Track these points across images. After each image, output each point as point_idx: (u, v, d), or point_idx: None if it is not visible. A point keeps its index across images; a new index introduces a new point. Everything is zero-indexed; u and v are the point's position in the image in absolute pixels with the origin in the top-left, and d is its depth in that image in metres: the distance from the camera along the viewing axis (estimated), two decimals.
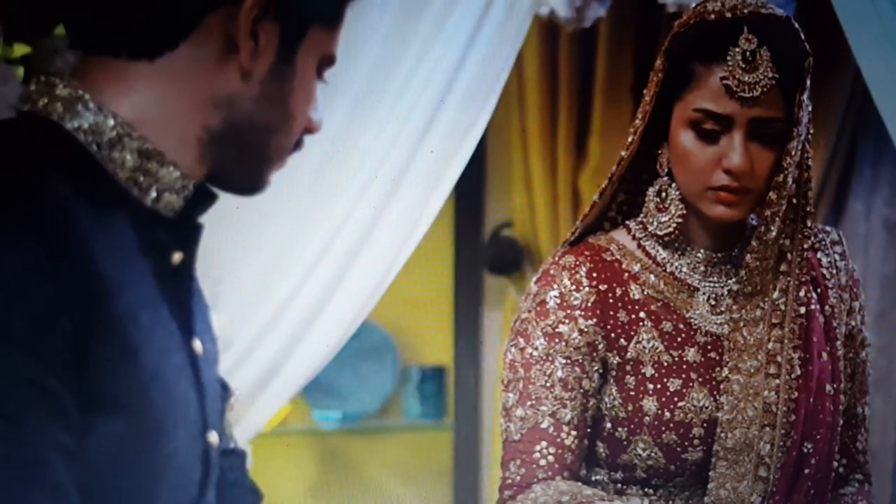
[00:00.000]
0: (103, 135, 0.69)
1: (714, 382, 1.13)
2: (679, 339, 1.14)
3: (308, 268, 1.51)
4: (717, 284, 1.17)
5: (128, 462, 0.67)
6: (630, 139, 1.16)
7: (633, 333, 1.13)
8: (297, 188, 1.46)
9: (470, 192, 2.20)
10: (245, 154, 0.73)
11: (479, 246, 2.28)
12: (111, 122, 0.70)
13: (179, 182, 0.71)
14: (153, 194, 0.70)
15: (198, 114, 0.71)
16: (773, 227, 1.13)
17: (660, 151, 1.15)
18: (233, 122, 0.71)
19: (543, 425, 1.11)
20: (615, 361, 1.13)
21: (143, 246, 0.70)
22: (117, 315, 0.66)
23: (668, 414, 1.11)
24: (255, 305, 1.49)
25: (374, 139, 1.50)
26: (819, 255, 1.21)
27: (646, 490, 1.13)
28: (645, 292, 1.15)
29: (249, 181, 0.75)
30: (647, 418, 1.11)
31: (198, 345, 0.73)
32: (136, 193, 0.70)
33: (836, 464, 1.16)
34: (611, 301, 1.14)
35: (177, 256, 0.72)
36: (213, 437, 0.74)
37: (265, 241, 1.48)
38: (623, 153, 1.17)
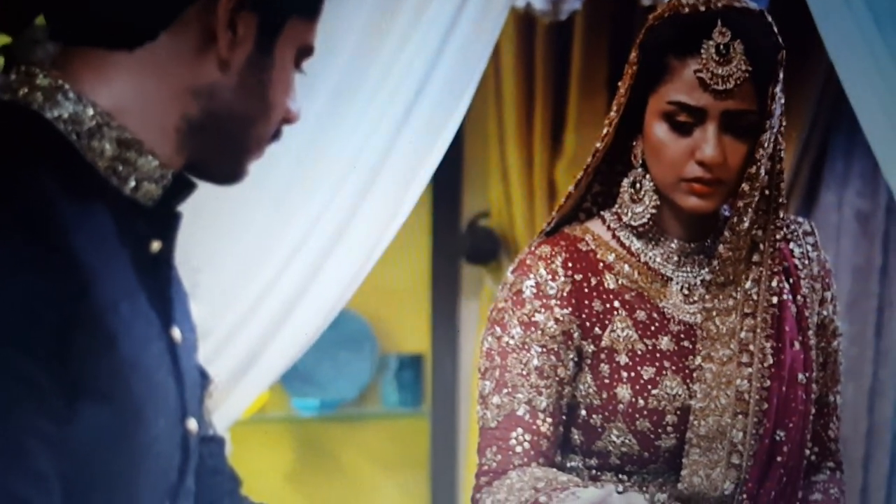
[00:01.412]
0: (83, 124, 0.70)
1: (687, 371, 1.15)
2: (653, 328, 1.15)
3: (287, 257, 1.51)
4: (690, 274, 1.18)
5: (108, 450, 0.67)
6: (605, 131, 1.17)
7: (607, 322, 1.15)
8: (275, 178, 1.46)
9: (447, 183, 2.21)
10: (224, 144, 0.73)
11: (456, 236, 2.29)
12: (90, 111, 0.70)
13: (158, 171, 0.71)
14: (132, 183, 0.71)
15: (177, 103, 0.71)
16: (745, 218, 1.15)
17: (634, 143, 1.16)
18: (212, 111, 0.72)
19: (519, 412, 1.12)
20: (590, 350, 1.14)
21: (122, 235, 0.70)
22: (98, 305, 0.67)
23: (641, 401, 1.13)
24: (234, 294, 1.49)
25: (352, 130, 1.50)
26: (791, 245, 1.22)
27: (620, 476, 1.15)
28: (619, 282, 1.16)
29: (228, 171, 0.75)
30: (620, 406, 1.13)
31: (177, 333, 0.74)
32: (115, 183, 0.71)
33: (808, 452, 1.18)
34: (586, 290, 1.15)
35: (156, 245, 0.72)
36: (192, 424, 0.74)
37: (244, 230, 1.48)
38: (598, 145, 1.18)
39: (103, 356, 0.67)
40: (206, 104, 0.72)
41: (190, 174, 0.74)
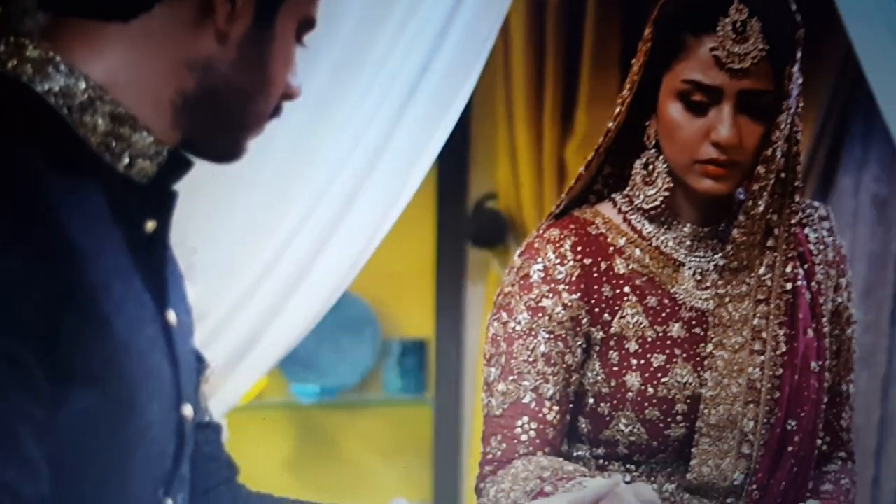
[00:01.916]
0: (74, 98, 0.69)
1: (698, 358, 1.14)
2: (663, 315, 1.15)
3: (286, 238, 1.50)
4: (702, 259, 1.17)
5: (100, 435, 0.66)
6: (617, 110, 1.16)
7: (617, 308, 1.14)
8: (275, 156, 1.45)
9: (453, 163, 2.19)
10: (221, 120, 0.72)
11: (462, 218, 2.28)
12: (83, 84, 0.69)
13: (153, 148, 0.70)
14: (126, 160, 0.70)
15: (172, 77, 0.70)
16: (760, 202, 1.14)
17: (647, 123, 1.15)
18: (208, 86, 0.71)
19: (525, 400, 1.12)
20: (599, 336, 1.14)
21: (115, 214, 0.69)
22: (89, 285, 0.66)
23: (651, 390, 1.12)
24: (231, 276, 1.48)
25: (355, 107, 1.48)
26: (806, 230, 1.21)
27: (627, 466, 1.15)
28: (630, 266, 1.16)
29: (226, 148, 0.74)
30: (629, 394, 1.12)
31: (172, 316, 0.73)
32: (108, 159, 0.70)
33: (819, 441, 1.18)
34: (595, 275, 1.14)
35: (150, 225, 0.72)
36: (188, 409, 0.74)
37: (242, 210, 1.47)
38: (610, 125, 1.17)
39: (95, 339, 0.66)
40: (203, 78, 0.71)
41: (186, 151, 0.73)
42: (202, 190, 1.32)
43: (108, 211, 0.69)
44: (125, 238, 0.70)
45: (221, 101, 0.71)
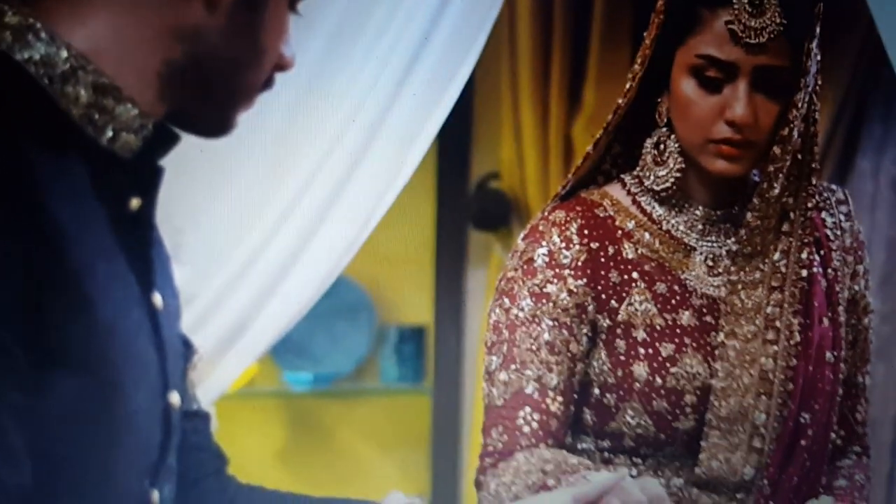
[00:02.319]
0: (56, 67, 0.68)
1: (709, 348, 1.14)
2: (673, 302, 1.14)
3: (279, 218, 1.49)
4: (715, 244, 1.17)
5: (84, 423, 0.66)
6: (628, 86, 1.15)
7: (624, 295, 1.14)
8: (267, 131, 1.44)
9: (454, 140, 2.19)
10: (209, 92, 0.72)
11: (463, 199, 2.27)
12: (64, 53, 0.68)
13: (138, 120, 0.70)
14: (109, 133, 0.69)
15: (158, 46, 0.70)
16: (776, 184, 1.13)
17: (659, 100, 1.14)
18: (196, 55, 0.70)
19: (528, 390, 1.11)
20: (605, 324, 1.13)
21: (98, 190, 0.69)
22: (71, 265, 0.66)
23: (659, 380, 1.12)
24: (220, 258, 1.48)
25: (351, 80, 1.48)
26: (823, 214, 1.21)
27: (633, 460, 1.15)
28: (639, 251, 1.15)
29: (214, 122, 0.74)
30: (637, 384, 1.12)
31: (158, 299, 0.73)
32: (90, 132, 0.69)
33: (833, 435, 1.18)
34: (602, 260, 1.14)
35: (135, 202, 0.71)
36: (175, 397, 0.74)
37: (232, 188, 1.47)
38: (620, 101, 1.16)
39: (78, 322, 0.66)
40: (191, 47, 0.70)
41: (173, 125, 0.73)
42: (190, 166, 1.32)
43: (90, 187, 0.69)
44: (109, 216, 0.69)
45: (210, 72, 0.71)
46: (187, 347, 0.80)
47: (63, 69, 0.68)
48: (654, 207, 1.17)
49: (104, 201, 0.69)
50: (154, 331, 0.72)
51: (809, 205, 1.16)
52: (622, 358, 1.13)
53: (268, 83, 0.74)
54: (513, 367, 1.12)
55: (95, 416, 0.67)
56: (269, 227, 1.50)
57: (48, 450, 0.65)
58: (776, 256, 1.15)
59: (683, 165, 1.14)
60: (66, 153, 0.68)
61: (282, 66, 0.74)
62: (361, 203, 1.52)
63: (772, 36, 1.08)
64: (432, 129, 1.53)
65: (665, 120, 1.14)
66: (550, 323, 1.12)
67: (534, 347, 1.12)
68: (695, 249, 1.17)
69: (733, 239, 1.17)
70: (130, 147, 0.70)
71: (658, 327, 1.13)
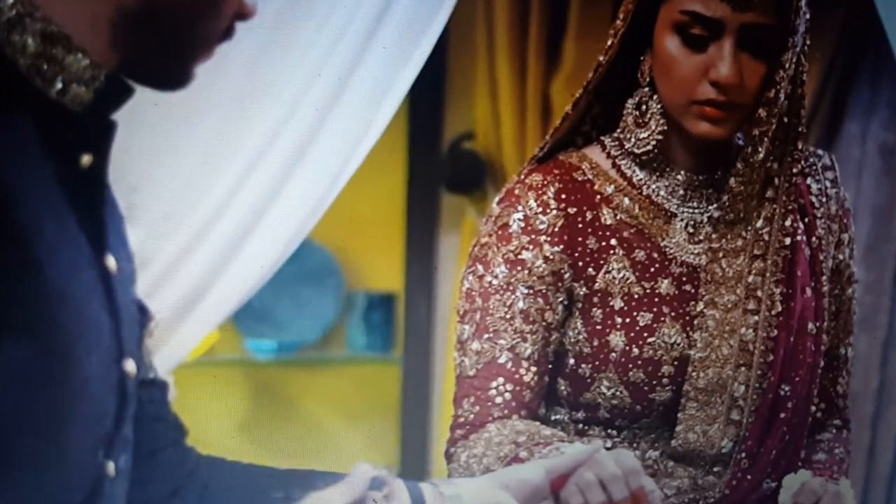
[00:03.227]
0: (1, 14, 0.67)
1: (687, 317, 1.15)
2: (652, 270, 1.15)
3: (239, 177, 1.48)
4: (696, 210, 1.18)
5: (33, 391, 0.66)
6: (609, 43, 1.15)
7: (602, 262, 1.14)
8: (227, 84, 1.43)
9: (426, 97, 2.17)
10: (165, 41, 0.70)
11: (435, 160, 2.27)
12: None
13: (89, 71, 0.69)
14: (58, 85, 0.68)
15: None
16: (760, 148, 1.14)
17: (642, 59, 1.14)
18: (151, 2, 0.69)
19: (501, 360, 1.12)
20: (582, 292, 1.14)
21: (47, 146, 0.68)
22: (17, 225, 0.65)
23: (636, 350, 1.13)
24: (177, 218, 1.46)
25: (317, 30, 1.46)
26: (809, 180, 1.22)
27: (609, 431, 1.16)
28: (618, 217, 1.16)
29: (170, 73, 0.72)
30: (613, 354, 1.13)
31: (111, 261, 0.72)
32: (38, 84, 0.68)
33: (814, 408, 1.20)
34: (580, 226, 1.14)
35: (86, 159, 0.70)
36: (130, 365, 0.73)
37: (189, 144, 1.45)
38: (601, 59, 1.16)
39: (25, 285, 0.65)
40: None
41: (127, 77, 0.71)
42: (144, 121, 1.30)
43: (38, 143, 0.68)
44: (58, 174, 0.69)
45: (165, 20, 0.70)
46: (143, 313, 0.80)
47: (9, 16, 0.67)
48: (634, 171, 1.17)
49: (53, 158, 0.69)
50: (107, 295, 0.71)
51: (794, 170, 1.16)
52: (598, 327, 1.14)
53: (227, 33, 0.73)
54: (486, 336, 1.13)
55: (45, 383, 0.66)
56: (229, 186, 1.49)
57: None
58: (759, 224, 1.16)
59: (666, 127, 1.14)
60: (12, 106, 0.67)
61: (242, 14, 0.73)
62: (328, 162, 1.51)
63: None
64: (403, 85, 1.51)
65: (647, 79, 1.14)
66: (525, 291, 1.13)
67: (508, 316, 1.13)
68: (675, 216, 1.17)
69: (715, 205, 1.17)
70: (81, 100, 0.69)
71: (636, 296, 1.14)
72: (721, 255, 1.16)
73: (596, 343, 1.14)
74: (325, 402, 2.29)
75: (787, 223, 1.16)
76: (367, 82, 1.49)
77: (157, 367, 0.86)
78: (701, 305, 1.15)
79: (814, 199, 1.22)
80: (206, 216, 1.49)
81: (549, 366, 1.14)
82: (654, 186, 1.17)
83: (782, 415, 1.15)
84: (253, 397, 2.27)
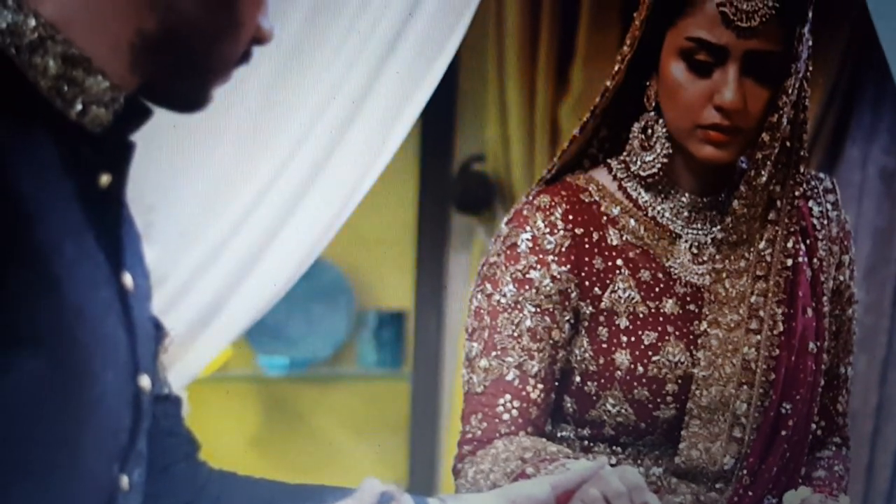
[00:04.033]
0: (23, 37, 0.67)
1: (691, 336, 1.14)
2: (657, 290, 1.14)
3: (255, 197, 1.48)
4: (700, 232, 1.17)
5: (49, 407, 0.65)
6: (616, 68, 1.15)
7: (608, 282, 1.14)
8: (243, 107, 1.43)
9: (438, 120, 2.18)
10: (184, 64, 0.70)
11: (446, 181, 2.27)
12: (32, 22, 0.67)
13: (109, 93, 0.69)
14: (79, 107, 0.68)
15: (131, 15, 0.68)
16: (763, 172, 1.13)
17: (648, 84, 1.14)
18: (170, 26, 0.69)
19: (508, 377, 1.11)
20: (588, 311, 1.13)
21: (66, 166, 0.68)
22: (38, 242, 0.65)
23: (641, 368, 1.12)
24: (193, 237, 1.46)
25: (332, 55, 1.46)
26: (810, 203, 1.21)
27: (614, 448, 1.15)
28: (623, 238, 1.15)
29: (189, 96, 0.72)
30: (618, 373, 1.12)
31: (128, 279, 0.72)
32: (59, 105, 0.68)
33: (814, 426, 1.19)
34: (587, 246, 1.14)
35: (105, 178, 0.70)
36: (145, 380, 0.73)
37: (206, 165, 1.45)
38: (608, 83, 1.16)
39: (43, 300, 0.65)
40: (165, 17, 0.69)
41: (145, 99, 0.71)
42: (162, 142, 1.30)
43: (58, 162, 0.68)
44: (77, 193, 0.68)
45: (184, 43, 0.70)
46: (158, 329, 0.79)
47: (31, 38, 0.67)
48: (639, 193, 1.17)
49: (73, 177, 0.68)
50: (124, 312, 0.71)
51: (797, 193, 1.16)
52: (604, 346, 1.13)
53: (245, 57, 0.73)
54: (493, 353, 1.12)
55: (62, 398, 0.66)
56: (244, 206, 1.49)
57: (13, 435, 0.64)
58: (762, 245, 1.15)
59: (671, 151, 1.14)
60: (34, 127, 0.67)
61: (260, 38, 0.73)
62: (341, 183, 1.51)
63: (764, 20, 1.08)
64: (415, 108, 1.51)
65: (653, 104, 1.14)
66: (533, 309, 1.12)
67: (515, 334, 1.12)
68: (680, 237, 1.17)
69: (719, 227, 1.17)
70: (101, 121, 0.69)
71: (641, 315, 1.13)
72: (724, 275, 1.15)
73: (601, 361, 1.13)
74: (336, 417, 2.28)
75: (789, 245, 1.16)
76: (381, 106, 1.49)
77: (171, 383, 0.85)
78: (704, 325, 1.14)
79: (815, 221, 1.21)
80: (221, 235, 1.49)
81: (556, 383, 1.14)
82: (659, 208, 1.17)
83: (783, 432, 1.14)
84: (265, 413, 2.27)
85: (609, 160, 1.19)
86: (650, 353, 1.13)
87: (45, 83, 0.67)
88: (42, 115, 0.67)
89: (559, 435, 1.16)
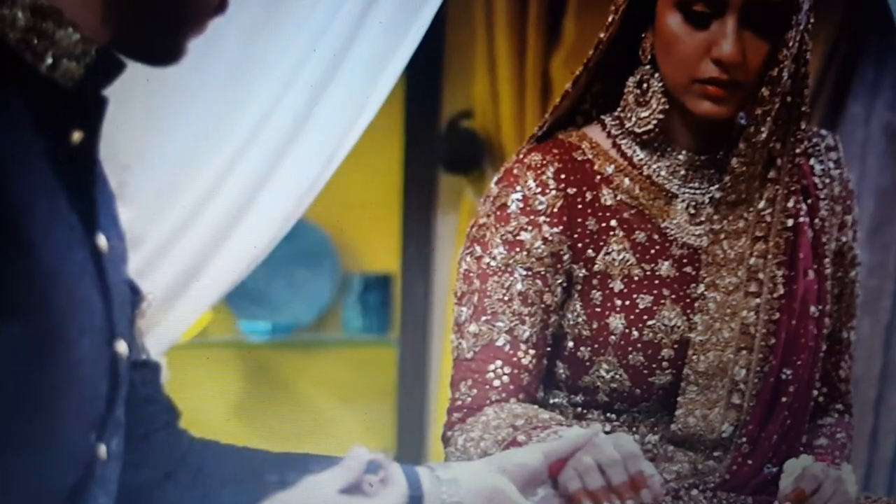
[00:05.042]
0: None
1: (688, 300, 1.15)
2: (652, 252, 1.15)
3: (234, 155, 1.47)
4: (697, 191, 1.18)
5: (25, 374, 0.66)
6: (610, 19, 1.14)
7: (602, 243, 1.14)
8: (220, 59, 1.41)
9: (424, 74, 2.16)
10: (157, 15, 0.70)
11: (433, 138, 2.26)
12: None
13: (80, 46, 0.68)
14: (49, 60, 0.68)
15: None
16: (763, 128, 1.13)
17: (643, 36, 1.14)
18: None
19: (499, 343, 1.12)
20: (581, 274, 1.14)
21: (37, 123, 0.68)
22: (9, 204, 0.65)
23: (635, 333, 1.13)
24: (170, 197, 1.46)
25: (311, 5, 1.44)
26: (812, 161, 1.22)
27: (608, 415, 1.16)
28: (618, 197, 1.15)
29: (163, 48, 0.72)
30: (612, 337, 1.13)
31: (102, 240, 0.72)
32: (28, 58, 0.68)
33: (815, 392, 1.20)
34: (579, 207, 1.14)
35: (77, 135, 0.70)
36: (122, 346, 0.73)
37: (182, 121, 1.44)
38: (602, 35, 1.15)
39: (16, 264, 0.65)
40: None
41: (118, 51, 0.71)
42: (136, 97, 1.29)
43: (28, 119, 0.67)
44: (48, 151, 0.68)
45: None
46: (135, 293, 0.79)
47: None
48: (634, 151, 1.17)
49: (43, 135, 0.68)
50: (99, 275, 0.71)
51: (798, 150, 1.16)
52: (598, 310, 1.14)
53: (221, 7, 0.73)
54: (483, 318, 1.13)
55: (37, 365, 0.66)
56: (223, 164, 1.48)
57: None
58: (761, 205, 1.16)
59: (667, 106, 1.14)
60: (2, 82, 0.66)
61: None
62: (323, 141, 1.50)
63: None
64: (400, 61, 1.50)
65: (649, 57, 1.14)
66: (524, 272, 1.12)
67: (506, 298, 1.12)
68: (676, 196, 1.17)
69: (717, 186, 1.17)
70: (72, 75, 0.69)
71: (636, 278, 1.14)
72: (722, 236, 1.16)
73: (595, 326, 1.14)
74: (321, 384, 2.29)
75: (790, 204, 1.16)
76: (363, 59, 1.48)
77: (149, 349, 0.86)
78: (702, 288, 1.15)
79: (817, 180, 1.21)
80: (199, 195, 1.48)
81: (548, 349, 1.15)
82: (654, 167, 1.17)
83: (784, 399, 1.16)
84: (247, 379, 2.28)
85: (603, 116, 1.19)
86: (645, 316, 1.14)
87: (14, 36, 0.67)
88: (11, 70, 0.67)
89: (551, 402, 1.17)
